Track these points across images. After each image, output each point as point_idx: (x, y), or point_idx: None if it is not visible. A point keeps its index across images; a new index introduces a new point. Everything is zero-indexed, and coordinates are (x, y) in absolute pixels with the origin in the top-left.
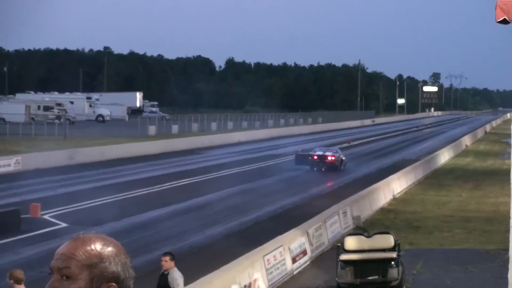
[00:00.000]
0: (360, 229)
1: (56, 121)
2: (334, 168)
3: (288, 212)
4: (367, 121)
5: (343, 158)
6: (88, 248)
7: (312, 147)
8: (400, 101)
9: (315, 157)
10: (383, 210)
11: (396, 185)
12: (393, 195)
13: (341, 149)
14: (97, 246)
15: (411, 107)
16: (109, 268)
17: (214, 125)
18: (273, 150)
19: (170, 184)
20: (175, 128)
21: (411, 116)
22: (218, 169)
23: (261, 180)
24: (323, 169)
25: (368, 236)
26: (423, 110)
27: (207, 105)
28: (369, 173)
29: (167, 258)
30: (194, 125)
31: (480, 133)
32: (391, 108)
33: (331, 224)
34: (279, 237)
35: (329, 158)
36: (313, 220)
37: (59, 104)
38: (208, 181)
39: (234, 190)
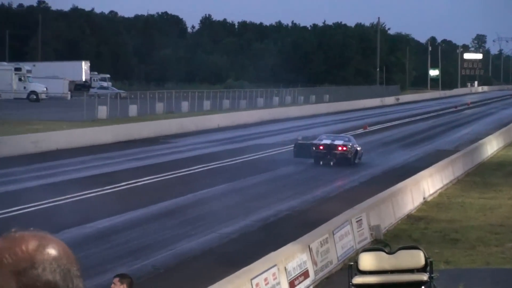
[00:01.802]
0: (380, 243)
1: None
2: (346, 161)
3: (285, 220)
4: (390, 99)
5: (358, 149)
6: (18, 249)
7: (317, 134)
8: (433, 72)
9: (321, 147)
10: (410, 218)
11: (427, 185)
12: (424, 198)
13: (355, 136)
14: (29, 247)
15: (447, 81)
16: (43, 277)
17: (185, 105)
18: (265, 138)
19: (127, 184)
20: (133, 109)
21: (447, 93)
22: (191, 164)
23: (249, 179)
24: (331, 163)
25: (390, 253)
26: (463, 85)
27: (176, 79)
28: (392, 168)
29: (118, 280)
30: (159, 105)
31: None
32: (421, 82)
33: (342, 236)
34: (272, 254)
35: (340, 148)
36: (317, 232)
37: None
38: (178, 180)
39: (212, 191)
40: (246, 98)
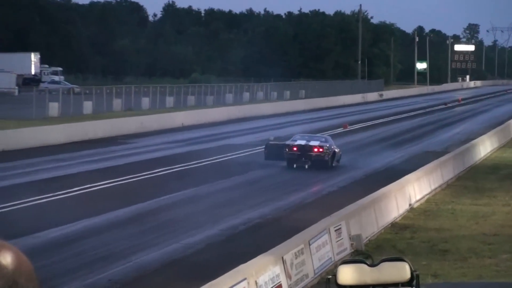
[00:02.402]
0: (361, 255)
1: None
2: (323, 164)
3: (256, 229)
4: (372, 96)
5: (336, 150)
6: None
7: (291, 134)
8: (421, 66)
9: (295, 149)
10: (395, 227)
11: (414, 190)
12: (410, 205)
13: (334, 136)
14: None
15: (436, 75)
16: None
17: (146, 102)
18: (234, 138)
19: (81, 189)
20: (88, 106)
21: (436, 88)
22: (152, 166)
23: (216, 183)
24: (306, 166)
25: (372, 265)
26: (454, 80)
27: (136, 73)
28: (375, 171)
29: None
30: (116, 101)
31: None
32: (408, 76)
33: (319, 247)
34: (242, 267)
35: (315, 149)
36: (291, 242)
37: None
38: (138, 184)
39: (176, 197)
40: (213, 94)
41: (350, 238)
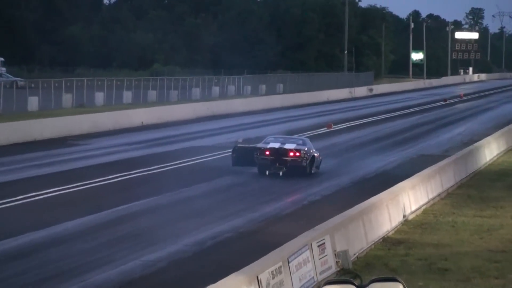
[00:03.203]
0: (349, 274)
1: None
2: (300, 170)
3: (226, 244)
4: (361, 90)
5: (315, 155)
6: None
7: (263, 136)
8: (416, 56)
9: (267, 153)
10: (387, 242)
11: (409, 199)
12: (404, 216)
13: (316, 137)
14: None
15: (434, 67)
16: None
17: (100, 97)
18: (201, 139)
19: (23, 198)
20: (34, 102)
21: (434, 82)
22: (107, 172)
23: (181, 191)
24: (280, 173)
25: (361, 286)
26: (455, 72)
27: (88, 63)
28: (364, 178)
29: None
30: (66, 96)
31: None
32: (402, 68)
33: (299, 265)
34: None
35: (291, 154)
36: (268, 259)
37: None
38: (90, 193)
39: (134, 207)
40: (177, 89)
41: (335, 254)
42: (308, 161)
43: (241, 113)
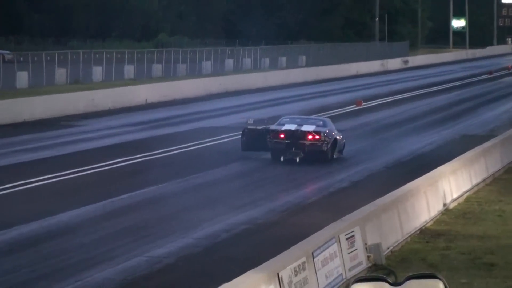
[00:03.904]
0: (381, 270)
1: None
2: (320, 156)
3: (242, 237)
4: (395, 63)
5: (338, 137)
6: None
7: (278, 115)
8: (458, 23)
9: (282, 136)
10: (425, 234)
11: (450, 186)
12: (445, 205)
13: (344, 116)
14: None
15: (478, 36)
16: None
17: (97, 72)
18: (212, 119)
19: (12, 186)
20: (23, 78)
21: (478, 52)
22: (106, 157)
23: (189, 178)
24: (297, 159)
25: (396, 284)
26: (501, 41)
27: (84, 34)
28: (398, 162)
29: None
30: (59, 71)
31: None
32: (441, 37)
33: (325, 260)
34: (226, 287)
35: (309, 137)
36: (289, 254)
37: None
38: (87, 180)
39: (137, 196)
40: (186, 62)
41: (366, 248)
42: (329, 145)
43: (258, 89)
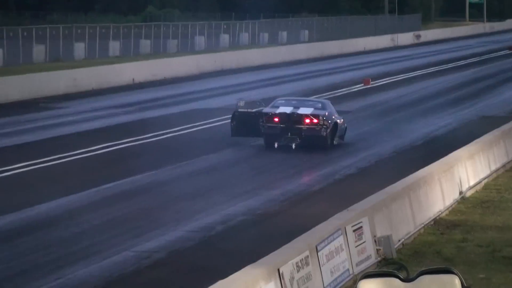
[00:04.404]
0: (392, 265)
1: None
2: (318, 141)
3: (239, 229)
4: (406, 37)
5: (339, 121)
6: None
7: (273, 97)
8: None
9: (276, 119)
10: (439, 224)
11: (466, 172)
12: (461, 193)
13: (351, 96)
14: None
15: (496, 8)
16: None
17: (80, 49)
18: (205, 100)
19: None
20: None
21: (496, 26)
22: (89, 142)
23: (181, 165)
24: (293, 145)
25: (407, 279)
26: None
27: (65, 7)
28: (410, 145)
29: None
30: (38, 48)
31: None
32: (456, 9)
33: (331, 254)
34: (222, 284)
35: (307, 120)
36: (291, 247)
37: None
38: (68, 167)
39: (124, 185)
40: (177, 37)
41: (375, 241)
42: (328, 130)
43: (257, 67)
